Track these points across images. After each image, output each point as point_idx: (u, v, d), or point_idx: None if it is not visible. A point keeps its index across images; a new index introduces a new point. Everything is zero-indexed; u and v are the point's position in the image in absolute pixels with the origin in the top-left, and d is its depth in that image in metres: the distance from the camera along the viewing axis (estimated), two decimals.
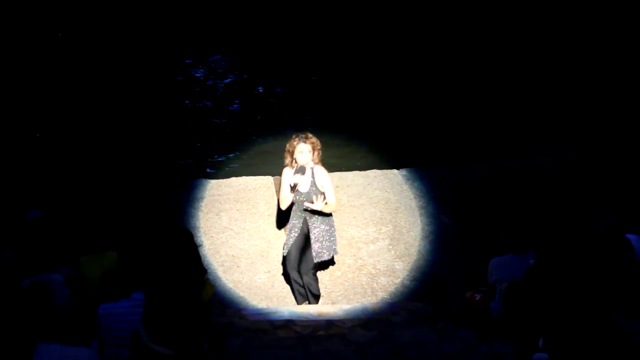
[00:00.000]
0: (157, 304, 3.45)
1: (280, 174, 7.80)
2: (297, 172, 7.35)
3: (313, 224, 7.55)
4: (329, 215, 7.65)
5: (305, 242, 7.61)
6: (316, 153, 7.51)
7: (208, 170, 11.53)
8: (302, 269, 7.72)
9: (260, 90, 14.98)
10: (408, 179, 10.17)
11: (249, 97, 14.62)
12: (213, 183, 10.11)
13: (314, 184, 7.44)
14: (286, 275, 8.04)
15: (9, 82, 14.60)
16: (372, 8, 19.16)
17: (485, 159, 11.22)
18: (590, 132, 12.66)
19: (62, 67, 15.47)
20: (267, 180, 10.10)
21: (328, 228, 7.62)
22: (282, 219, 8.98)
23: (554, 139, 12.42)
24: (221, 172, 11.18)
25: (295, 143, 7.45)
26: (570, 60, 16.02)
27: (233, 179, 10.29)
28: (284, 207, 7.57)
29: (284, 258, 7.88)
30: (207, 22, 18.87)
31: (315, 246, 7.52)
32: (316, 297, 7.84)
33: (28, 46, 16.30)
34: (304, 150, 7.38)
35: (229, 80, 15.52)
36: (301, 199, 7.45)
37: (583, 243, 4.96)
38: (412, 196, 9.76)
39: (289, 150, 7.53)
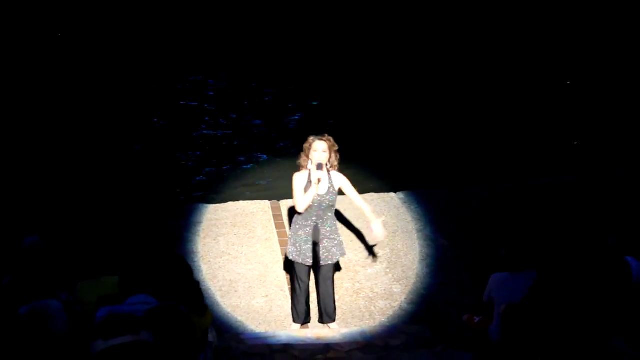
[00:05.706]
0: None
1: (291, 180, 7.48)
2: (317, 169, 7.18)
3: (324, 225, 7.42)
4: (335, 218, 7.56)
5: (315, 248, 7.45)
6: (333, 155, 7.39)
7: (205, 195, 11.52)
8: (318, 280, 7.67)
9: (257, 116, 15.00)
10: (405, 202, 10.19)
11: (245, 123, 14.64)
12: (210, 208, 10.12)
13: (332, 186, 7.34)
14: (291, 282, 7.92)
15: (10, 102, 14.63)
16: (371, 27, 19.27)
17: (482, 181, 11.25)
18: (588, 153, 12.71)
19: (56, 90, 15.49)
20: (264, 205, 10.12)
21: (336, 229, 7.53)
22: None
23: (550, 160, 12.47)
24: (218, 196, 11.18)
25: (311, 140, 7.36)
26: (567, 80, 16.12)
27: (230, 203, 10.31)
28: (302, 208, 7.25)
29: (291, 264, 7.74)
30: (202, 43, 18.94)
31: (325, 244, 7.41)
32: (330, 315, 7.71)
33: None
34: (318, 149, 7.24)
35: (224, 104, 15.54)
36: (320, 200, 7.29)
37: (581, 266, 4.96)
38: (409, 219, 9.78)
39: (305, 149, 7.40)
